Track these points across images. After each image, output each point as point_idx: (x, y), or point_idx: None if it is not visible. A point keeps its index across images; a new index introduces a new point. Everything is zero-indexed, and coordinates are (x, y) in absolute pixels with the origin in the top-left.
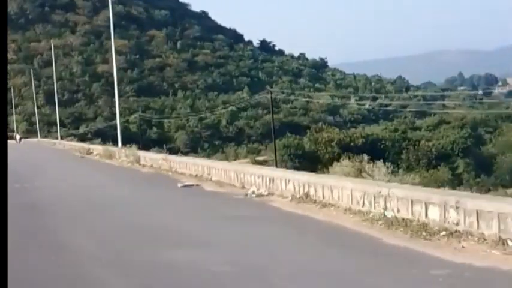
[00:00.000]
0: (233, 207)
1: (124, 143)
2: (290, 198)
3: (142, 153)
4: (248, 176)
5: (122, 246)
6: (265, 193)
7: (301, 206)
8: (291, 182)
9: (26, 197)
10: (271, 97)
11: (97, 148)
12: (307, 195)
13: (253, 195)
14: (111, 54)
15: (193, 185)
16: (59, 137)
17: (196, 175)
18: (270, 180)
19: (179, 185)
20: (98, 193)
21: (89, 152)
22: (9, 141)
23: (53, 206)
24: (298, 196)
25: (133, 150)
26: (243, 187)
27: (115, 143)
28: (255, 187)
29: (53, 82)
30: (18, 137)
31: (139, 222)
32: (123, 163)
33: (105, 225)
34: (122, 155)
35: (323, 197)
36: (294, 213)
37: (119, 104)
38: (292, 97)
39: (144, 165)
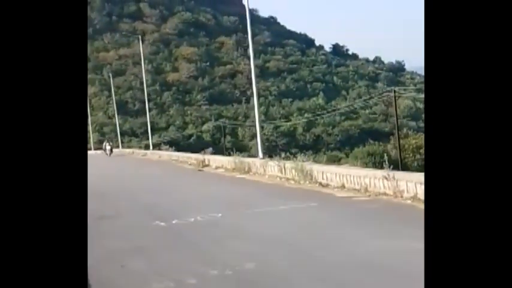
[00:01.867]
0: None
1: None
2: None
3: (316, 167)
4: None
5: None
6: None
7: None
8: None
9: (205, 254)
10: (395, 96)
11: (216, 159)
12: None
13: None
14: (249, 56)
15: None
16: (151, 147)
17: None
18: None
19: None
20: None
21: (205, 164)
22: (97, 153)
23: None
24: None
25: (297, 162)
26: None
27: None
28: None
29: (124, 92)
30: (108, 147)
31: None
32: (277, 180)
33: None
34: (273, 168)
35: None
36: None
37: (191, 113)
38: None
39: (325, 185)
